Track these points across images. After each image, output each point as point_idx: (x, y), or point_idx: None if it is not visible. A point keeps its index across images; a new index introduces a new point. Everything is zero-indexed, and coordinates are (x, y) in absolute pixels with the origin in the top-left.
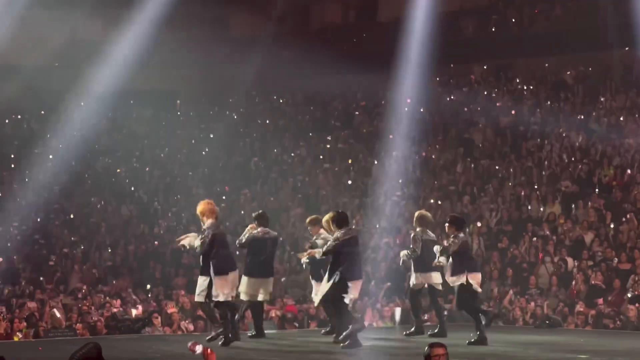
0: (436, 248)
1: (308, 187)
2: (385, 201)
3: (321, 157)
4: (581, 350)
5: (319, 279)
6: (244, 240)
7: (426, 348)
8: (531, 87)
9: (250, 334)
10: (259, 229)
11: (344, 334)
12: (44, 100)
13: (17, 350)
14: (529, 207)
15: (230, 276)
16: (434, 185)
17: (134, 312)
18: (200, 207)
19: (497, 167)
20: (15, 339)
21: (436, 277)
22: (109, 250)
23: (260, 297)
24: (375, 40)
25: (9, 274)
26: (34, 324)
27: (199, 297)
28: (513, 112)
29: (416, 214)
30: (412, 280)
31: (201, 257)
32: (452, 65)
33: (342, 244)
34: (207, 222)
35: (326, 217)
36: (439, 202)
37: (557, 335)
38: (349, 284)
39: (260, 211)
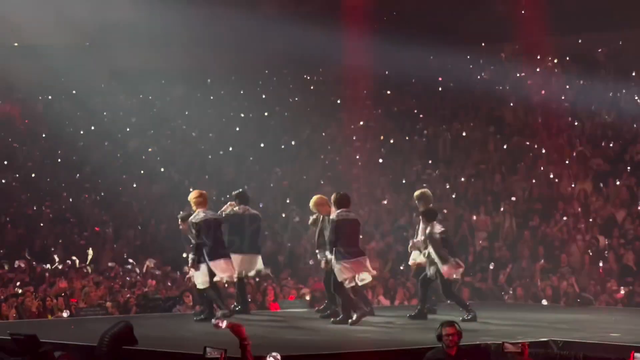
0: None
1: (338, 166)
2: (416, 180)
3: (352, 135)
4: (613, 328)
5: None
6: (223, 215)
7: (438, 327)
8: (563, 65)
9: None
10: (239, 206)
11: (351, 321)
12: (75, 80)
13: (50, 328)
14: (560, 185)
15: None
16: (465, 163)
17: (164, 291)
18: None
19: (528, 145)
20: (49, 317)
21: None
22: (140, 229)
23: (246, 273)
24: (405, 17)
25: (41, 252)
26: (65, 303)
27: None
28: (543, 90)
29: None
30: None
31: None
32: (482, 44)
33: (335, 226)
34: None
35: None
36: (472, 180)
37: (588, 314)
38: (344, 264)
39: (241, 190)
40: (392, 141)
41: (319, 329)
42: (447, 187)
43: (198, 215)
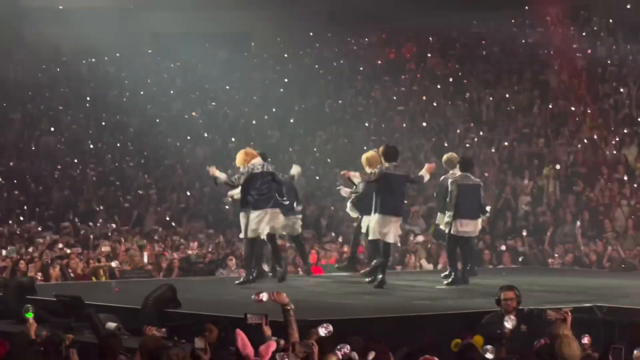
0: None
1: (382, 129)
2: (459, 143)
3: (395, 99)
4: None
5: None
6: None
7: (497, 291)
8: (609, 28)
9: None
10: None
11: (378, 280)
12: (119, 43)
13: (94, 290)
14: (605, 150)
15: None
16: (508, 127)
17: (207, 254)
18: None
19: (572, 109)
20: (93, 279)
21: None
22: (184, 192)
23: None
24: None
25: (86, 215)
26: (109, 265)
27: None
28: (589, 51)
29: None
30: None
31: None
32: (526, 7)
33: (376, 179)
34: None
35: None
36: (515, 144)
37: (632, 280)
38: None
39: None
40: (435, 105)
41: (362, 293)
42: (491, 151)
43: None
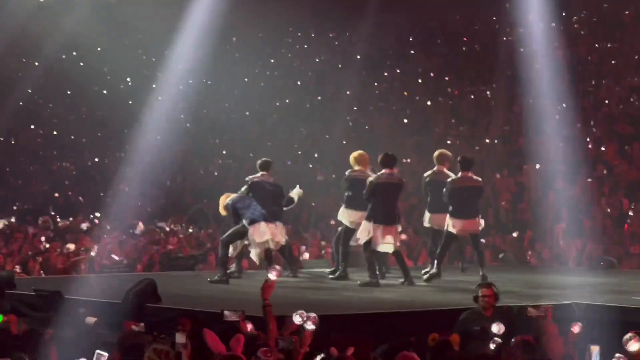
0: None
1: (363, 126)
2: (439, 140)
3: (376, 95)
4: (635, 291)
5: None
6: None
7: (475, 288)
8: (588, 27)
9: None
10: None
11: (364, 282)
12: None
13: (74, 284)
14: (585, 148)
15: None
16: (489, 125)
17: (187, 249)
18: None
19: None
20: (73, 274)
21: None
22: (167, 185)
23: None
24: None
25: (65, 209)
26: (89, 259)
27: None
28: (570, 51)
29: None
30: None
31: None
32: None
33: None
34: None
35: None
36: (496, 141)
37: (611, 277)
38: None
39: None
40: (416, 100)
41: (341, 289)
42: (471, 148)
43: None
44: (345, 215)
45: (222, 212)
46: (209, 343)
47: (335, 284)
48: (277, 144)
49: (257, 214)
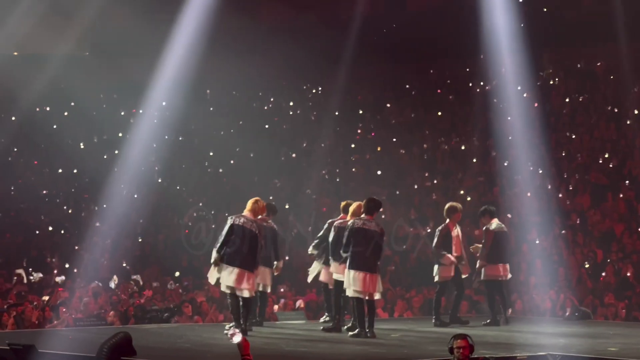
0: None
1: (337, 177)
2: (414, 192)
3: (352, 146)
4: (611, 343)
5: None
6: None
7: (450, 339)
8: (559, 78)
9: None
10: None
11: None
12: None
13: (48, 338)
14: (558, 199)
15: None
16: (463, 175)
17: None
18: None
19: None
20: (48, 327)
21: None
22: (139, 240)
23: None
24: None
25: (38, 262)
26: (64, 313)
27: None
28: (542, 104)
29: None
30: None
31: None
32: (482, 56)
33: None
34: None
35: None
36: (470, 192)
37: (586, 327)
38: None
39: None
40: (390, 153)
41: (317, 341)
42: (445, 199)
43: None
44: None
45: None
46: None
47: (312, 336)
48: (253, 196)
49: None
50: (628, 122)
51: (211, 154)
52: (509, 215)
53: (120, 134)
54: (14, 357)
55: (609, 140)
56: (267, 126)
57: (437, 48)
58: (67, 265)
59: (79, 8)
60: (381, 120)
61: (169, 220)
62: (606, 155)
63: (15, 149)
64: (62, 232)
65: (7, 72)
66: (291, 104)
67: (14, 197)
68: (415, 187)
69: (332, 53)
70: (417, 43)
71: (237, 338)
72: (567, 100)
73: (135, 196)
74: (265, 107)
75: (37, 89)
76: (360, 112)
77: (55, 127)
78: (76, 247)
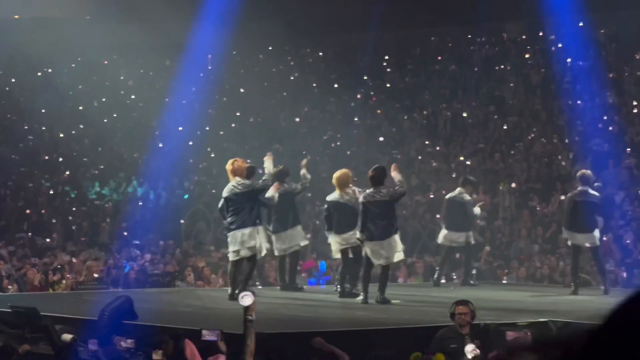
0: None
1: (338, 143)
2: (415, 158)
3: (352, 113)
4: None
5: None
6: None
7: (451, 305)
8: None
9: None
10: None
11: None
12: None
13: (51, 302)
14: (560, 166)
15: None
16: (464, 142)
17: (163, 266)
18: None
19: (527, 125)
20: (50, 290)
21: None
22: (140, 204)
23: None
24: None
25: (40, 226)
26: (66, 276)
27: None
28: (543, 70)
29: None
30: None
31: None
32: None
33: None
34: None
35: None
36: (471, 159)
37: (586, 295)
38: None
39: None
40: (391, 118)
41: (319, 306)
42: (446, 165)
43: None
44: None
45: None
46: (187, 354)
47: (314, 301)
48: (254, 161)
49: None
50: (629, 89)
51: (211, 118)
52: (513, 185)
53: (121, 98)
54: (16, 319)
55: (611, 107)
56: (267, 90)
57: (438, 14)
58: (68, 229)
59: None
60: (382, 86)
61: (170, 183)
62: (609, 124)
63: (16, 113)
64: (63, 195)
65: (8, 35)
66: (291, 68)
67: (14, 161)
68: (416, 153)
69: (333, 18)
70: (418, 9)
71: (249, 300)
72: (568, 67)
73: (137, 160)
74: (264, 73)
75: (38, 52)
76: (361, 77)
77: (56, 90)
78: (77, 211)
